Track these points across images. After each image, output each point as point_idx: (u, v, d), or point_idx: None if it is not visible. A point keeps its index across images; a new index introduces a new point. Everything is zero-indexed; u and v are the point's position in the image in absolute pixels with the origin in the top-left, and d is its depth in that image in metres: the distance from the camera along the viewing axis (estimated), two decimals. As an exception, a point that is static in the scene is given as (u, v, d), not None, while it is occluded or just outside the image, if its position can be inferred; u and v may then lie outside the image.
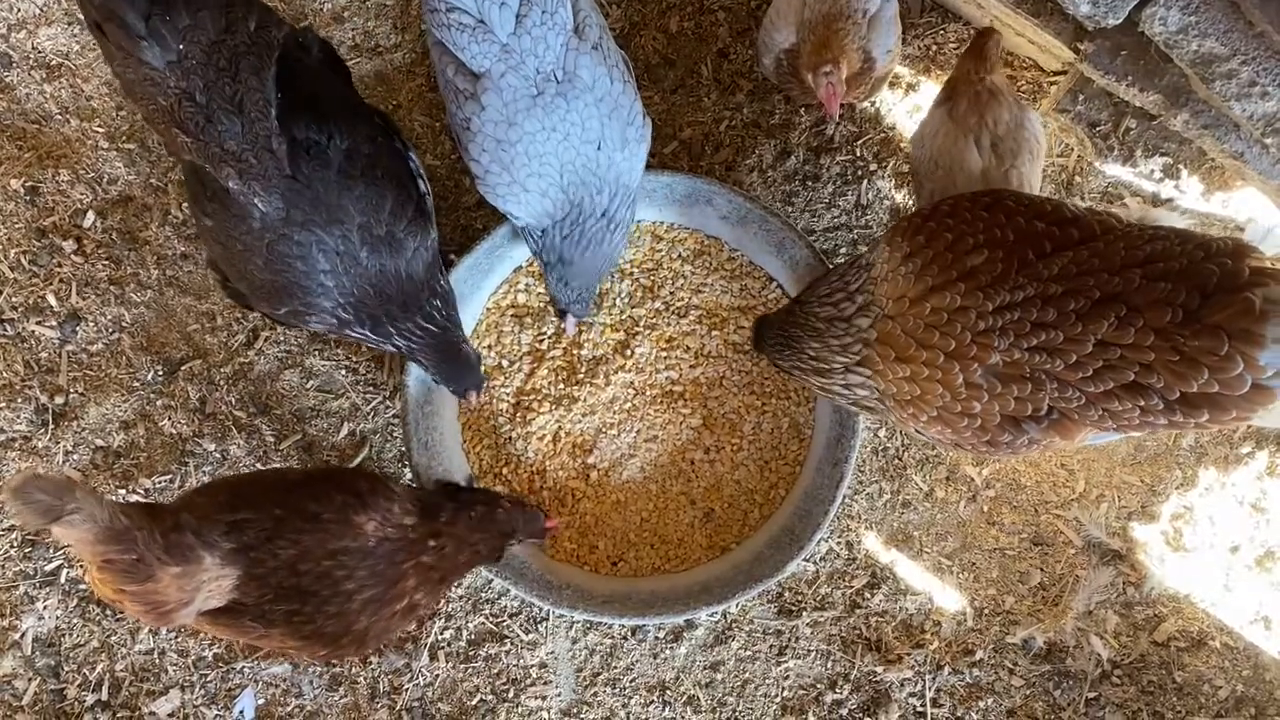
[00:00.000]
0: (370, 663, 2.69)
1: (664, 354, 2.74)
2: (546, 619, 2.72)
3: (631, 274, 2.78)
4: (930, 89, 2.86)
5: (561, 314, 2.57)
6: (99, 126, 2.91)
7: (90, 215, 2.87)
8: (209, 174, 2.08)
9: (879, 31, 2.46)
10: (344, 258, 2.17)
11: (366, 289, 2.22)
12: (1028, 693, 2.66)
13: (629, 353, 2.72)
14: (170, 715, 2.66)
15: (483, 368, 2.56)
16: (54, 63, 2.94)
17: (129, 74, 2.03)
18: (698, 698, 2.69)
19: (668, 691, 2.69)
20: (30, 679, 2.67)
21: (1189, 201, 2.73)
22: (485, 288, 2.74)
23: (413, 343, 2.33)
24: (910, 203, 2.85)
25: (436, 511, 2.27)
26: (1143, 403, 1.81)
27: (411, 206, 2.27)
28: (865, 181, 2.86)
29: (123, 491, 2.74)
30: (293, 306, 2.22)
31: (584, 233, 2.39)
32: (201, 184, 2.14)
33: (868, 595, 2.72)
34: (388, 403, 2.81)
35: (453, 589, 2.70)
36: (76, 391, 2.80)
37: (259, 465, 2.78)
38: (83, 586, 2.71)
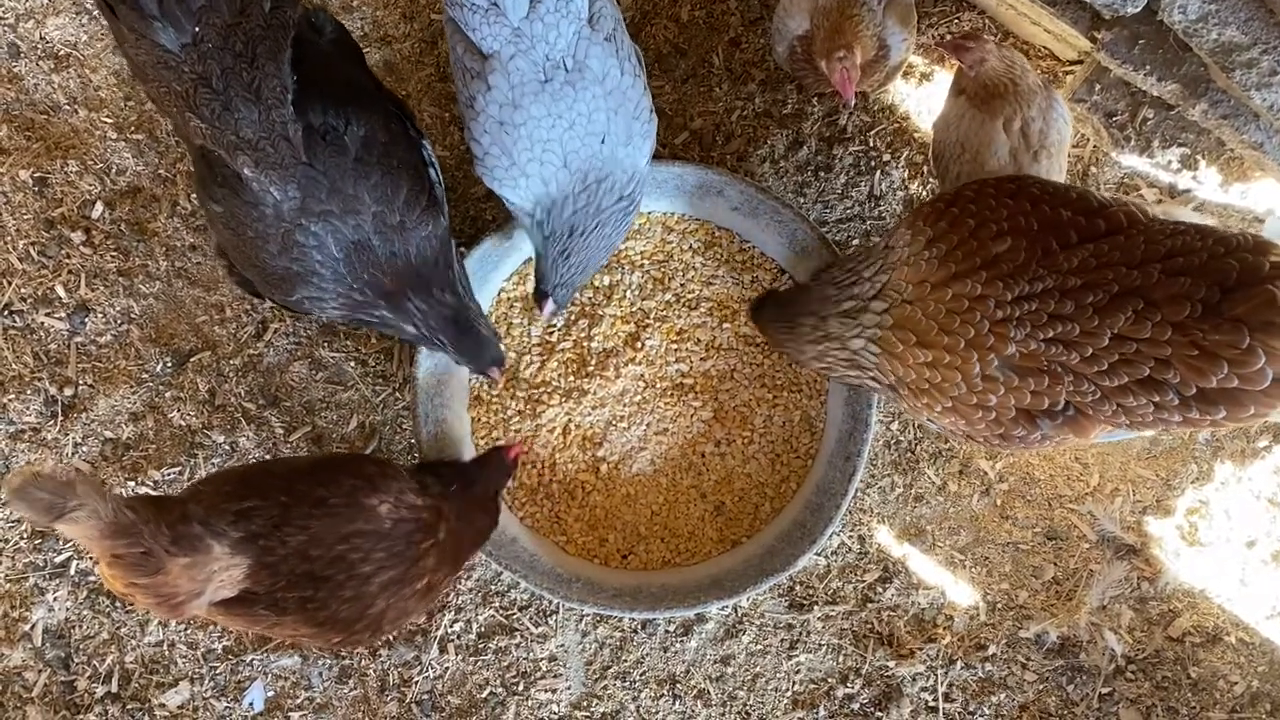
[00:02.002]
0: (380, 655, 2.68)
1: (674, 346, 2.72)
2: (556, 612, 2.72)
3: (642, 266, 2.76)
4: (944, 78, 2.83)
5: (541, 296, 2.44)
6: (107, 117, 2.89)
7: (99, 206, 2.86)
8: (219, 159, 2.05)
9: (895, 19, 2.43)
10: (358, 246, 2.15)
11: (378, 274, 2.20)
12: (1040, 688, 2.65)
13: (639, 345, 2.71)
14: (180, 707, 2.66)
15: (502, 346, 2.53)
16: (62, 53, 2.92)
17: (140, 56, 1.99)
18: (708, 691, 2.68)
19: (678, 685, 2.68)
20: (40, 671, 2.67)
21: (1207, 192, 2.70)
22: (495, 279, 2.73)
23: (430, 320, 2.28)
24: (925, 193, 2.82)
25: (432, 490, 2.29)
26: (1158, 398, 1.79)
27: (425, 195, 2.24)
28: (878, 172, 2.83)
29: (132, 484, 2.74)
30: (306, 294, 2.20)
31: (599, 209, 2.31)
32: (211, 169, 2.11)
33: (880, 589, 2.70)
34: (397, 394, 2.80)
35: (463, 580, 2.70)
36: (85, 383, 2.80)
37: (268, 457, 2.77)
38: (92, 578, 2.71)
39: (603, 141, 2.25)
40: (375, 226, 2.15)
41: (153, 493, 2.73)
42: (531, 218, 2.35)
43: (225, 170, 2.06)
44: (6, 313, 2.81)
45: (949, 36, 2.79)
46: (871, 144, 2.85)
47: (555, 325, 2.74)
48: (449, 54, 2.33)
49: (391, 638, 2.68)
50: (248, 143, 1.99)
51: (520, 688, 2.68)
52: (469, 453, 2.67)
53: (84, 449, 2.77)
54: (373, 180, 2.13)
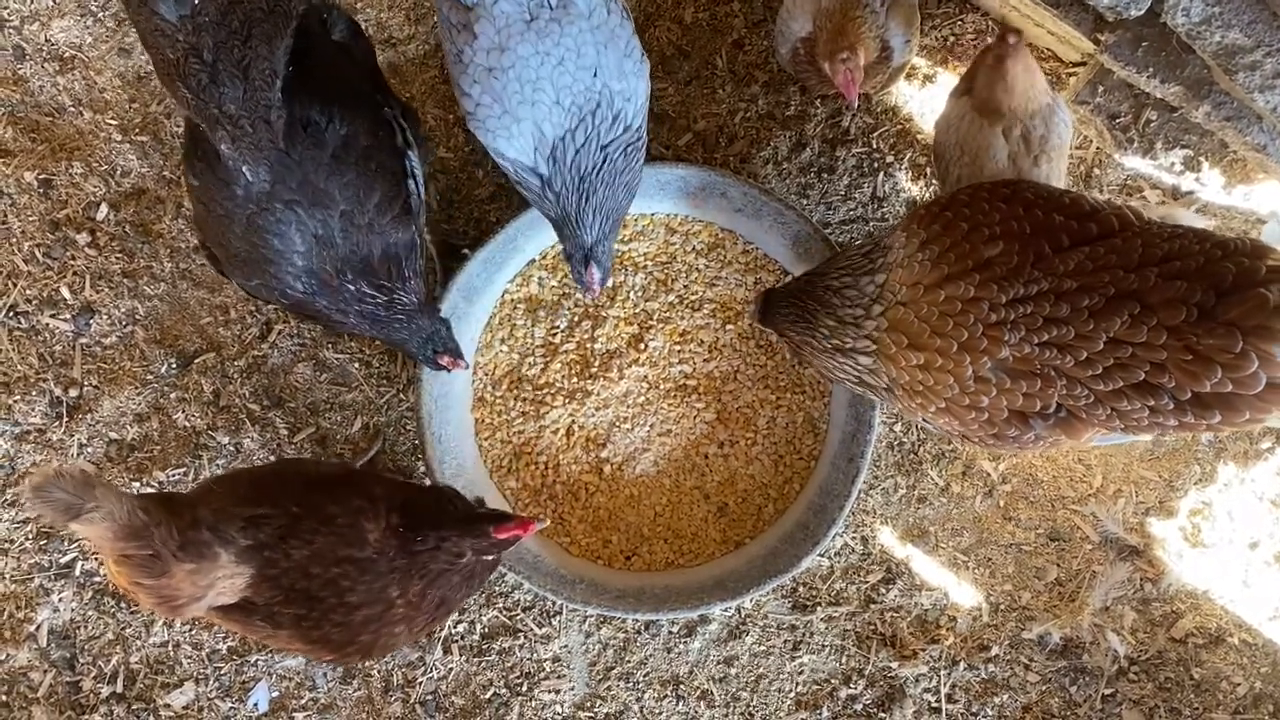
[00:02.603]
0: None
1: (678, 348, 2.72)
2: (560, 613, 2.72)
3: (645, 267, 2.77)
4: (947, 80, 2.83)
5: (586, 261, 2.31)
6: (112, 119, 2.90)
7: (103, 208, 2.87)
8: (204, 134, 2.07)
9: (898, 21, 2.44)
10: (321, 241, 2.16)
11: (333, 271, 2.21)
12: (1043, 689, 2.65)
13: (642, 346, 2.71)
14: (185, 708, 2.67)
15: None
16: (67, 55, 2.93)
17: (141, 22, 2.01)
18: (711, 692, 2.68)
19: (681, 686, 2.69)
20: (46, 671, 2.68)
21: (1210, 194, 2.70)
22: (499, 281, 2.73)
23: (364, 305, 2.26)
24: (928, 194, 2.82)
25: (409, 544, 2.10)
26: (1152, 403, 1.79)
27: (399, 203, 2.26)
28: (881, 174, 2.83)
29: (136, 485, 2.75)
30: (263, 280, 2.22)
31: (603, 143, 2.20)
32: (195, 143, 2.14)
33: (883, 590, 2.71)
34: (401, 396, 2.81)
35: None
36: (90, 384, 2.81)
37: (273, 459, 2.78)
38: (98, 579, 2.72)
39: (595, 74, 2.17)
40: (342, 225, 2.17)
41: (166, 491, 2.73)
42: (539, 178, 2.25)
43: (207, 145, 2.09)
44: (12, 314, 2.82)
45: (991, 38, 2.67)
46: (874, 146, 2.85)
47: (559, 327, 2.74)
48: (438, 20, 2.29)
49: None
50: (229, 118, 2.00)
51: (524, 688, 2.69)
52: (472, 452, 2.68)
53: (89, 450, 2.78)
54: (346, 179, 2.16)
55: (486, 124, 2.19)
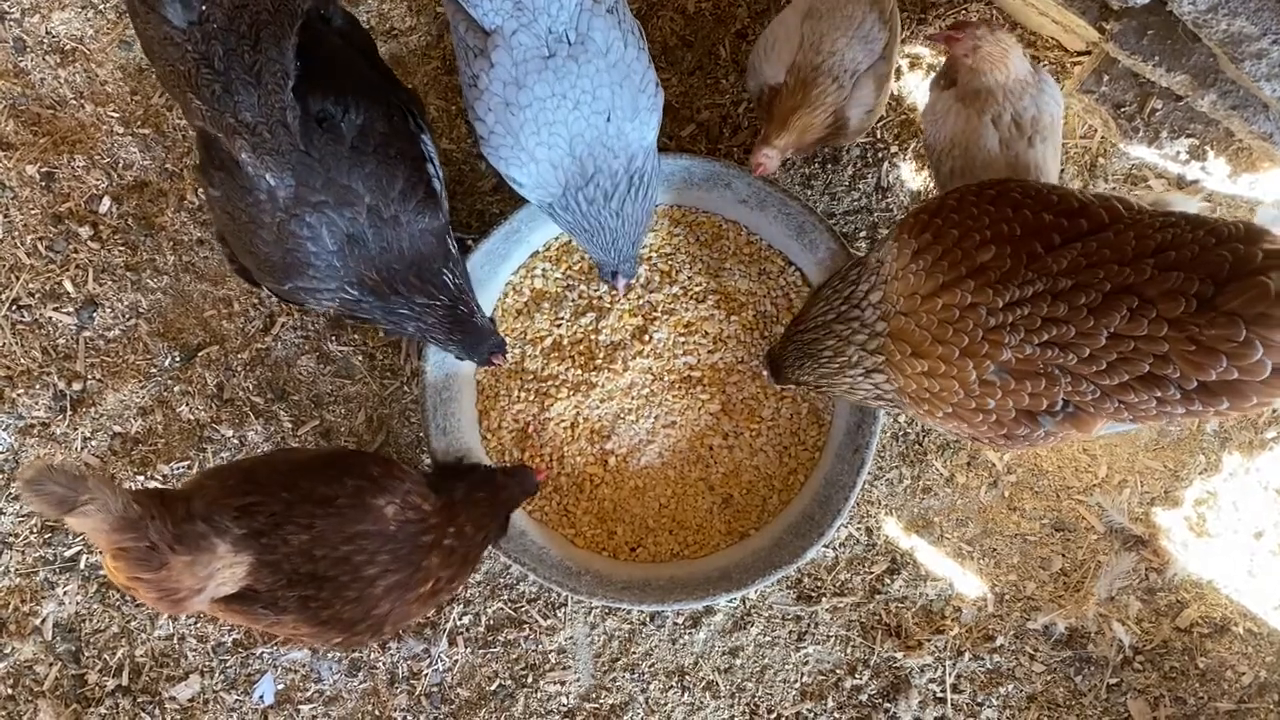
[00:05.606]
0: (389, 648, 2.69)
1: (682, 339, 2.72)
2: (565, 604, 2.72)
3: (649, 259, 2.76)
4: (951, 70, 2.82)
5: (612, 275, 2.51)
6: (114, 111, 2.89)
7: (106, 201, 2.86)
8: (218, 143, 2.05)
9: (862, 91, 2.44)
10: (352, 239, 2.15)
11: (374, 269, 2.20)
12: (1049, 679, 2.65)
13: (647, 338, 2.71)
14: (190, 700, 2.67)
15: (500, 331, 2.53)
16: (68, 47, 2.92)
17: (149, 31, 1.98)
18: (716, 683, 2.68)
19: (686, 677, 2.69)
20: (51, 664, 2.68)
21: (1215, 183, 2.69)
22: (502, 273, 2.73)
23: (426, 318, 2.29)
24: (932, 185, 2.81)
25: (450, 494, 2.29)
26: (1159, 393, 1.78)
27: (422, 188, 2.24)
28: (885, 164, 2.83)
29: (141, 478, 2.75)
30: (298, 284, 2.20)
31: (616, 194, 2.32)
32: (209, 153, 2.11)
33: (888, 581, 2.71)
34: (405, 388, 2.80)
35: (473, 574, 2.70)
36: (94, 378, 2.80)
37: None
38: (102, 572, 2.72)
39: (608, 119, 2.21)
40: (370, 220, 2.15)
41: (159, 487, 2.74)
42: (556, 212, 2.34)
43: (223, 154, 2.06)
44: (15, 308, 2.81)
45: (938, 30, 2.76)
46: (878, 136, 2.84)
47: (563, 319, 2.74)
48: (453, 37, 2.32)
49: (401, 631, 2.68)
50: (246, 126, 1.98)
51: (529, 680, 2.69)
52: (477, 446, 2.68)
53: (93, 444, 2.77)
54: (368, 169, 2.13)
55: (500, 152, 2.24)
